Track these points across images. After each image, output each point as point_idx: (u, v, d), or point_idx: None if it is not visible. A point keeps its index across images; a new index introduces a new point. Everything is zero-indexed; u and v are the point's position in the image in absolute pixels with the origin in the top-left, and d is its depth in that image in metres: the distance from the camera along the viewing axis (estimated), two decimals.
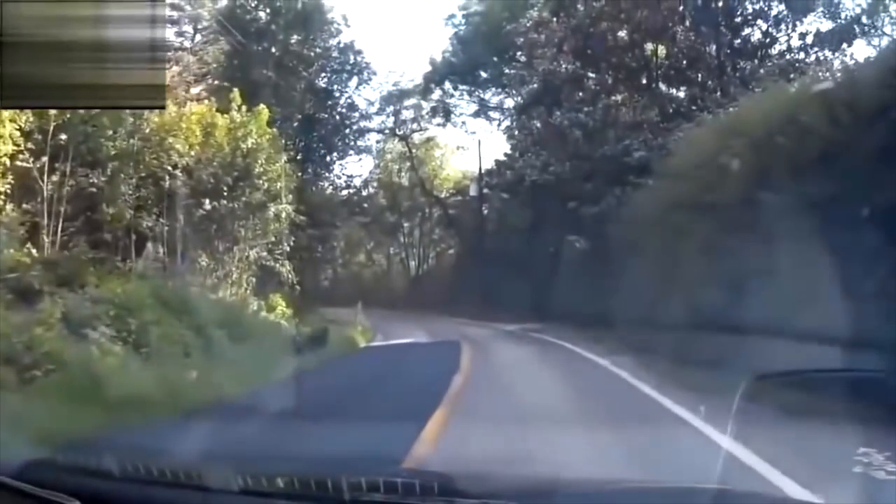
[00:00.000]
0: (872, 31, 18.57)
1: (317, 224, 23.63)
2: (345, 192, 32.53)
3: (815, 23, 19.16)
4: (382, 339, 19.71)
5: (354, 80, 30.11)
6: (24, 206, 11.16)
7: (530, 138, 22.52)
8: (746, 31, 19.59)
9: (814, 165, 7.43)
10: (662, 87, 20.74)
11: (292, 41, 26.02)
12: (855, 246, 6.59)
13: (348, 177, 33.61)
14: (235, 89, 16.52)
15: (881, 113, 6.77)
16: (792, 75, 15.42)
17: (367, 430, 6.08)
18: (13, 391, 6.59)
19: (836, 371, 5.52)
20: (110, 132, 12.76)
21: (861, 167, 6.77)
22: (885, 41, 17.79)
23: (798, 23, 19.12)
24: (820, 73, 13.60)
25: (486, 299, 26.86)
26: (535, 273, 22.87)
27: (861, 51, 18.15)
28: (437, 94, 33.91)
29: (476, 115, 33.92)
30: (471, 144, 45.19)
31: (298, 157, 25.31)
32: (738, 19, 19.40)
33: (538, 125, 21.89)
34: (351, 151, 32.07)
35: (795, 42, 19.02)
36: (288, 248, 18.66)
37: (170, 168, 13.89)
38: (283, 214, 17.50)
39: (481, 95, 33.64)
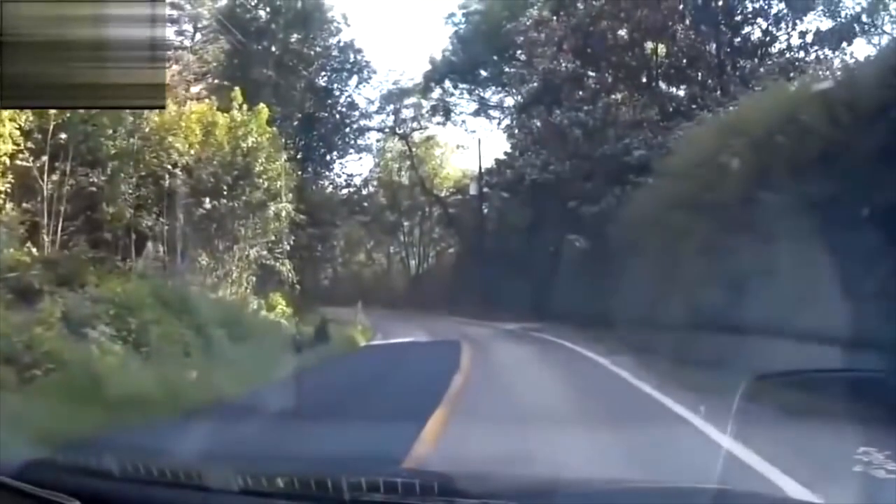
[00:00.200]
0: (872, 29, 18.61)
1: (317, 223, 23.62)
2: (345, 191, 32.61)
3: (816, 21, 19.23)
4: (382, 338, 19.72)
5: (354, 78, 30.16)
6: (24, 205, 11.16)
7: (530, 137, 22.50)
8: (746, 29, 19.59)
9: (814, 165, 7.42)
10: (662, 85, 20.75)
11: (292, 40, 26.03)
12: (855, 246, 6.58)
13: (348, 175, 33.70)
14: (237, 88, 16.52)
15: (881, 112, 6.77)
16: (792, 74, 15.43)
17: (367, 430, 6.08)
18: (13, 391, 6.60)
19: (836, 371, 5.52)
20: (110, 131, 12.77)
21: (861, 167, 6.76)
22: (885, 40, 17.86)
23: (798, 21, 19.15)
24: (820, 72, 13.62)
25: (486, 298, 26.87)
26: (536, 272, 22.88)
27: (861, 49, 18.25)
28: (437, 92, 33.96)
29: (476, 113, 34.01)
30: (471, 143, 44.82)
31: (298, 156, 25.32)
32: (738, 18, 19.39)
33: (538, 124, 21.88)
34: (351, 150, 32.14)
35: (795, 41, 19.09)
36: (288, 247, 18.66)
37: (170, 167, 13.90)
38: (283, 213, 17.50)
39: (481, 94, 33.68)
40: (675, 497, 2.36)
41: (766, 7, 19.27)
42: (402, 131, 35.91)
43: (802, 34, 18.93)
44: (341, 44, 28.48)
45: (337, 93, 29.65)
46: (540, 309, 20.91)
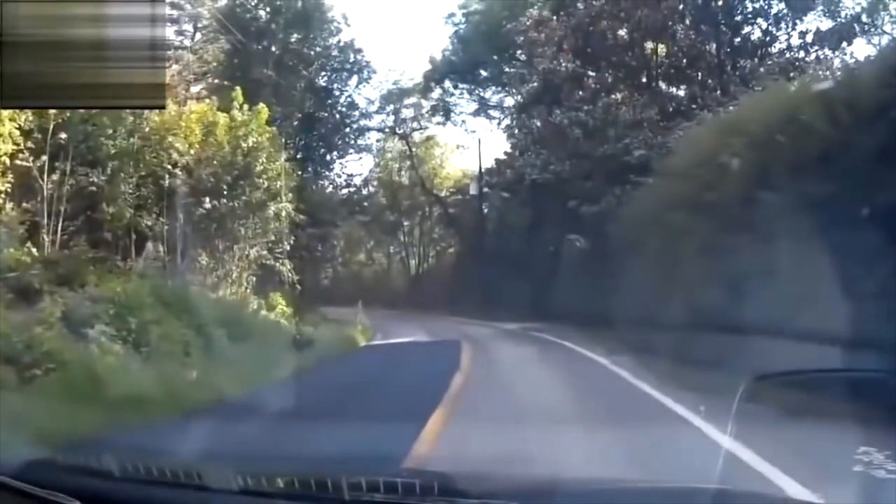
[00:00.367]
0: (872, 29, 18.61)
1: (317, 223, 23.60)
2: (345, 191, 32.55)
3: (815, 21, 19.17)
4: (382, 338, 19.72)
5: (354, 78, 30.15)
6: (24, 205, 11.14)
7: (530, 137, 22.50)
8: (746, 29, 19.57)
9: (814, 165, 7.42)
10: (662, 85, 20.74)
11: (292, 40, 26.02)
12: (855, 246, 6.58)
13: (348, 175, 33.62)
14: (237, 88, 16.50)
15: (881, 112, 6.77)
16: (792, 74, 15.41)
17: (367, 430, 6.08)
18: (13, 391, 6.59)
19: (836, 371, 5.51)
20: (110, 131, 12.74)
21: (861, 167, 6.76)
22: (885, 40, 17.86)
23: (798, 21, 19.12)
24: (820, 72, 13.61)
25: (487, 298, 26.88)
26: (536, 272, 22.88)
27: (861, 49, 18.20)
28: (437, 92, 33.96)
29: (476, 113, 34.01)
30: (471, 143, 44.90)
31: (298, 156, 25.30)
32: (738, 18, 19.38)
33: (538, 124, 21.88)
34: (351, 150, 32.07)
35: (795, 41, 19.03)
36: (288, 247, 18.63)
37: (170, 167, 13.89)
38: (283, 213, 17.47)
39: (481, 94, 33.68)
40: (675, 497, 2.36)
41: (766, 7, 19.27)
42: (402, 131, 35.94)
43: (802, 34, 18.93)
44: (341, 44, 28.47)
45: (337, 93, 29.67)
46: (540, 309, 20.92)
